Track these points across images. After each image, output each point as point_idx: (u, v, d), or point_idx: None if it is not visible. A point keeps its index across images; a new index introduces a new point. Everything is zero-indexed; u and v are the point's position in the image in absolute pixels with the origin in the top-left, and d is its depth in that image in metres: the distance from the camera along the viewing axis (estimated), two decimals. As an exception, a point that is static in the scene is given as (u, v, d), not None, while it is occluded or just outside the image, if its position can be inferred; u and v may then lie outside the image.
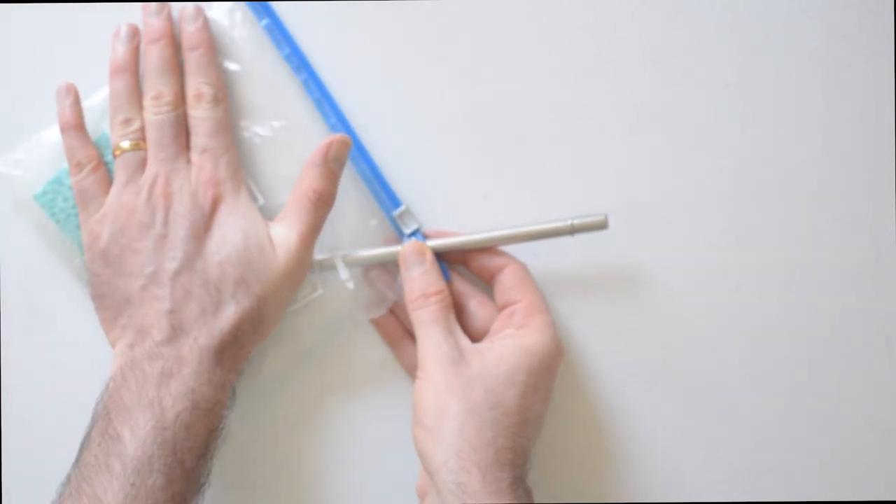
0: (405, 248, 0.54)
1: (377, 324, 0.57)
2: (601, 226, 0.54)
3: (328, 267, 0.55)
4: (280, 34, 0.56)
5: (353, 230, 0.56)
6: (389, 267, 0.56)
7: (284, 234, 0.53)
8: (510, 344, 0.51)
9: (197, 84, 0.54)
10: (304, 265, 0.54)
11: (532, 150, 0.57)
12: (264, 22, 0.56)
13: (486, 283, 0.56)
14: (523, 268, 0.55)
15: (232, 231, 0.52)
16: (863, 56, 0.57)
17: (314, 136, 0.56)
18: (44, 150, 0.56)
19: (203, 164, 0.53)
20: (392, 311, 0.57)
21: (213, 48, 0.56)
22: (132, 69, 0.55)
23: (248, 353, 0.53)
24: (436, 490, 0.49)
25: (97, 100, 0.56)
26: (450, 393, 0.50)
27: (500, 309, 0.54)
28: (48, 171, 0.56)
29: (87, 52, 0.56)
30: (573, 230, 0.54)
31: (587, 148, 0.57)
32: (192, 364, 0.50)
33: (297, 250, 0.53)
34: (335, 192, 0.54)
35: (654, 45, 0.57)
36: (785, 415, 0.57)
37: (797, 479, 0.57)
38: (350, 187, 0.56)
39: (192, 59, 0.55)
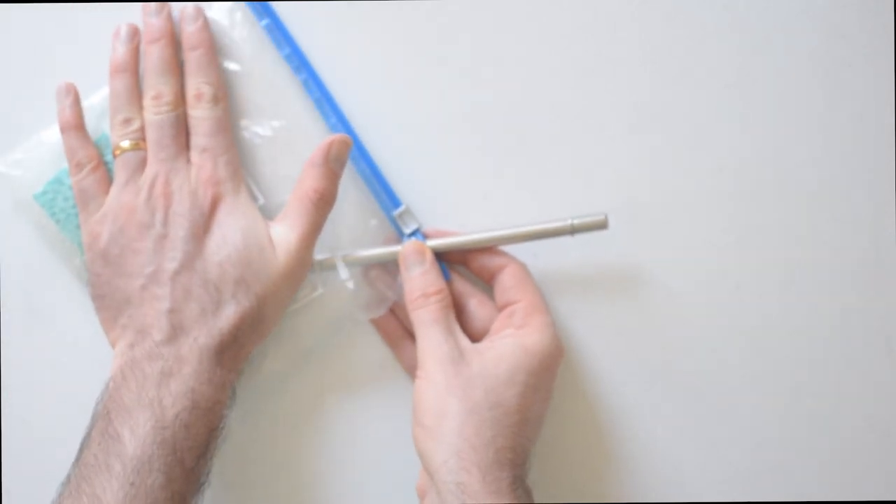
0: (405, 248, 0.54)
1: (377, 324, 0.57)
2: (601, 226, 0.54)
3: (328, 267, 0.55)
4: (280, 34, 0.56)
5: (353, 230, 0.56)
6: (389, 267, 0.56)
7: (285, 233, 0.53)
8: (510, 344, 0.51)
9: (197, 84, 0.54)
10: (304, 265, 0.54)
11: (532, 150, 0.57)
12: (264, 22, 0.56)
13: (486, 283, 0.56)
14: (523, 268, 0.55)
15: (232, 231, 0.52)
16: (863, 56, 0.57)
17: (314, 136, 0.56)
18: (44, 150, 0.56)
19: (203, 163, 0.53)
20: (392, 311, 0.57)
21: (214, 48, 0.56)
22: (132, 69, 0.55)
23: (248, 353, 0.53)
24: (435, 490, 0.49)
25: (97, 99, 0.56)
26: (450, 393, 0.50)
27: (500, 309, 0.54)
28: (48, 170, 0.56)
29: (87, 52, 0.56)
30: (573, 230, 0.54)
31: (587, 148, 0.57)
32: (192, 364, 0.50)
33: (298, 250, 0.53)
34: (336, 191, 0.54)
35: (654, 45, 0.57)
36: (785, 415, 0.57)
37: (797, 479, 0.57)
38: (350, 187, 0.56)
39: (192, 59, 0.55)
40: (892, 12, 0.57)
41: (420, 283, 0.53)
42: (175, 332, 0.50)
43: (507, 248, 0.55)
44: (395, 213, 0.56)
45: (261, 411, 0.57)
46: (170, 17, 0.55)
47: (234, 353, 0.52)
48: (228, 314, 0.51)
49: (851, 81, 0.57)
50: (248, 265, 0.52)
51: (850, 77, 0.57)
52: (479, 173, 0.57)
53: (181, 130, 0.54)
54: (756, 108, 0.57)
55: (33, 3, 0.57)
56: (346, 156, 0.54)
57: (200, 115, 0.54)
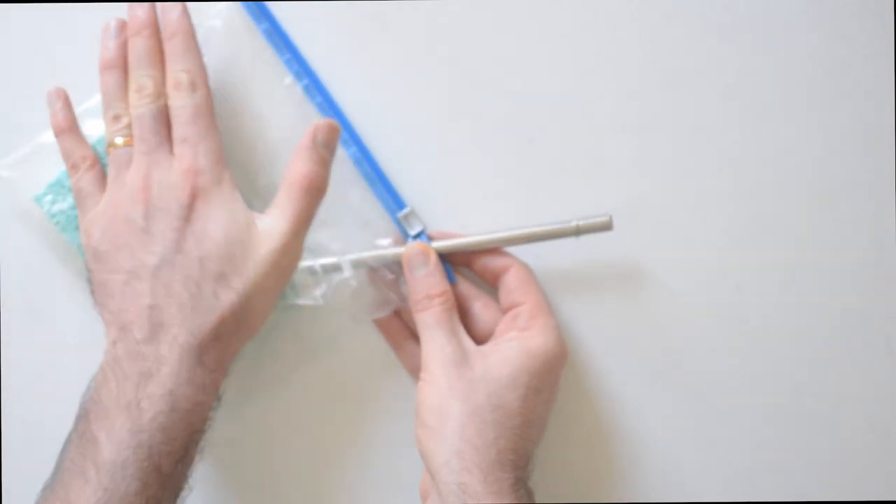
0: (409, 249, 0.54)
1: (380, 324, 0.57)
2: (606, 227, 0.53)
3: (333, 268, 0.55)
4: (279, 38, 0.56)
5: (356, 231, 0.56)
6: (394, 268, 0.56)
7: (273, 223, 0.51)
8: (514, 346, 0.51)
9: (174, 72, 0.53)
10: (292, 257, 0.52)
11: (532, 151, 0.57)
12: (263, 26, 0.56)
13: (491, 285, 0.55)
14: (527, 269, 0.54)
15: (212, 224, 0.50)
16: (863, 56, 0.57)
17: (315, 138, 0.56)
18: (44, 152, 0.55)
19: (183, 154, 0.52)
20: (396, 312, 0.56)
21: (191, 34, 0.54)
22: (121, 65, 0.54)
23: (235, 352, 0.51)
24: (437, 491, 0.49)
25: (97, 100, 0.56)
26: (452, 395, 0.50)
27: (505, 311, 0.54)
28: (49, 172, 0.55)
29: (87, 52, 0.56)
30: (578, 231, 0.53)
31: (587, 148, 0.57)
32: (171, 363, 0.48)
33: (285, 242, 0.51)
34: (327, 178, 0.52)
35: (654, 45, 0.57)
36: (785, 415, 0.57)
37: (797, 479, 0.57)
38: (354, 188, 0.56)
39: (170, 48, 0.53)
40: (892, 12, 0.57)
41: (424, 285, 0.53)
42: (155, 329, 0.49)
43: (508, 250, 0.55)
44: (400, 214, 0.56)
45: (261, 412, 0.57)
46: (153, 9, 0.54)
47: (217, 352, 0.49)
48: (208, 312, 0.49)
49: (851, 81, 0.57)
50: (230, 260, 0.50)
51: (850, 77, 0.57)
52: (480, 174, 0.57)
53: (162, 122, 0.52)
54: (756, 108, 0.57)
55: (33, 3, 0.57)
56: (335, 142, 0.52)
57: (179, 104, 0.52)
